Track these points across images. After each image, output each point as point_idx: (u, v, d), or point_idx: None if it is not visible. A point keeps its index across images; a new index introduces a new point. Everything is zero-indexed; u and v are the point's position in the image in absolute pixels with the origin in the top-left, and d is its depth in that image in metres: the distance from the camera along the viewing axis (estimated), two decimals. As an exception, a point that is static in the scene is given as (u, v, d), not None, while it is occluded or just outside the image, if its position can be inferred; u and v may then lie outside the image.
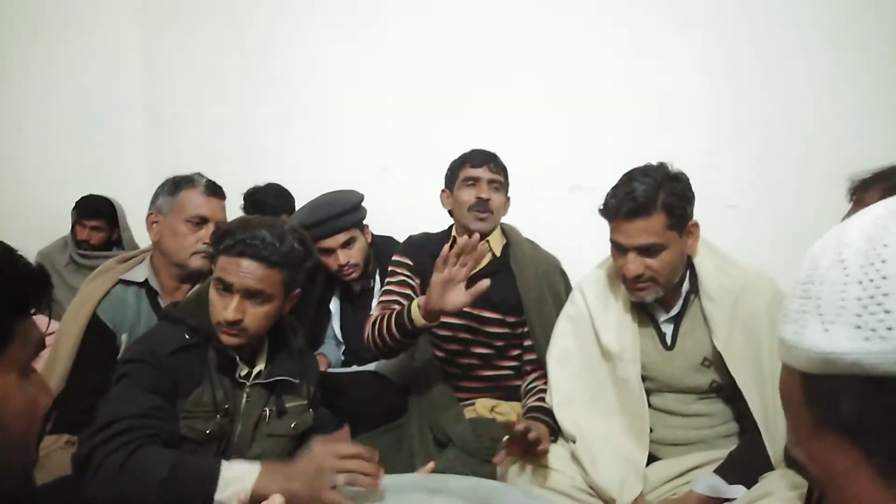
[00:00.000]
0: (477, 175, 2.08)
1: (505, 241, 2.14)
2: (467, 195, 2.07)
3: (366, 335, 1.98)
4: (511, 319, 2.08)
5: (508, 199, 2.16)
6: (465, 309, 2.05)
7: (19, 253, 0.71)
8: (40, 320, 0.76)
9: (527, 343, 2.08)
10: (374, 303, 2.41)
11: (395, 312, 1.87)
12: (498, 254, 2.11)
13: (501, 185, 2.10)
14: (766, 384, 1.59)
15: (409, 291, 2.09)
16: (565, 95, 2.96)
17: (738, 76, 2.71)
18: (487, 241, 2.10)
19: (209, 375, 1.49)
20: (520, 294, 2.06)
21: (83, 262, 3.06)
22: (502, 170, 2.12)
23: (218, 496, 1.23)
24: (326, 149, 3.38)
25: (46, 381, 0.77)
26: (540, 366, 2.02)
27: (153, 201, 1.98)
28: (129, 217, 3.24)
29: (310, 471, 1.23)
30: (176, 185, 1.96)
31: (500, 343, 2.09)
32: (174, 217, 1.93)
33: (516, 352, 2.12)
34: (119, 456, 1.27)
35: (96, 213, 3.11)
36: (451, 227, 2.19)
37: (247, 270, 1.45)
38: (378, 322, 1.92)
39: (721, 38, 2.72)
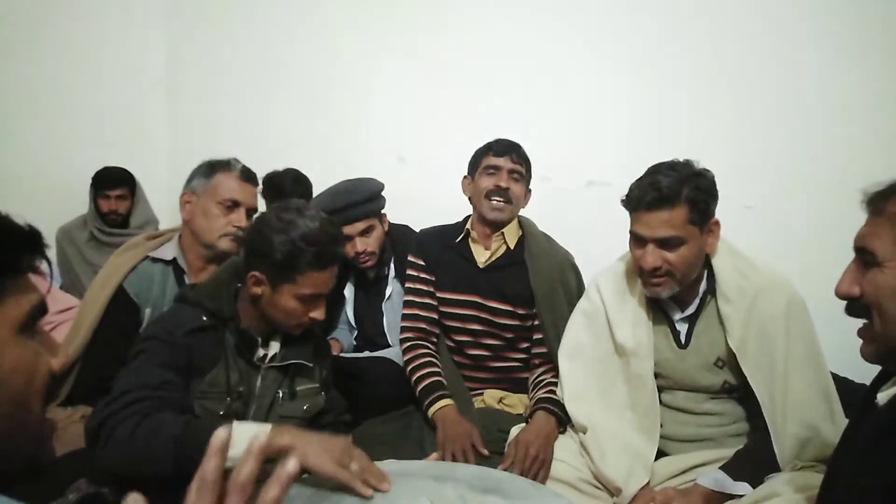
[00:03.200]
0: (498, 164, 2.08)
1: (521, 234, 2.14)
2: (486, 182, 2.08)
3: (403, 353, 2.14)
4: (521, 311, 2.08)
5: (529, 191, 2.16)
6: (476, 299, 2.08)
7: (5, 213, 0.72)
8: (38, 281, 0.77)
9: (536, 336, 2.09)
10: (389, 290, 2.44)
11: (424, 385, 2.02)
12: (512, 246, 2.11)
13: (522, 176, 2.10)
14: (777, 386, 1.59)
15: (428, 300, 2.16)
16: (583, 90, 2.95)
17: (758, 76, 2.68)
18: (503, 232, 2.11)
19: (225, 358, 1.51)
20: (532, 287, 2.06)
21: (104, 240, 3.10)
22: (525, 161, 2.12)
23: (231, 453, 1.25)
24: (343, 139, 3.39)
25: (58, 343, 0.78)
26: (549, 360, 2.03)
27: (188, 182, 2.02)
28: (148, 197, 3.28)
29: (323, 442, 1.24)
30: (212, 168, 2.00)
31: (510, 335, 2.11)
32: (207, 199, 1.97)
33: (526, 344, 2.13)
34: (130, 423, 1.29)
35: (119, 181, 3.15)
36: (466, 218, 2.20)
37: (333, 275, 1.54)
38: (409, 366, 2.09)
39: (742, 38, 2.70)
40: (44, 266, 0.78)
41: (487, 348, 2.12)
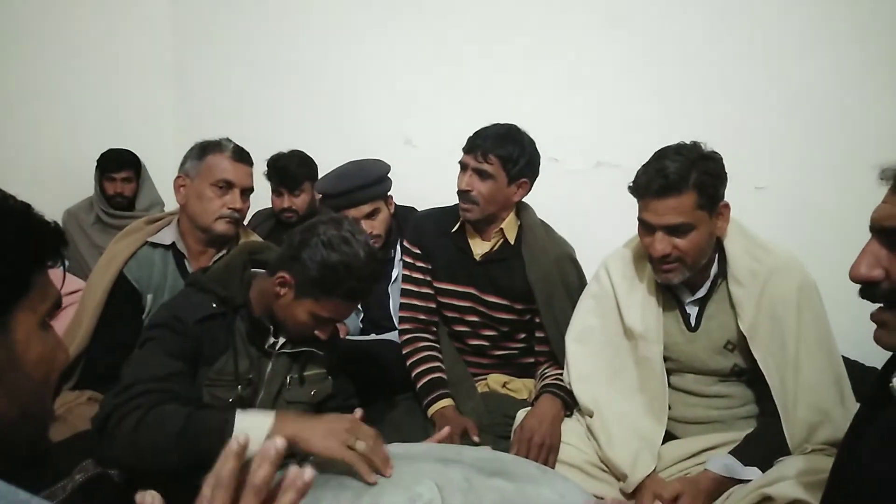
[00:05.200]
0: (464, 162, 1.98)
1: (519, 224, 2.06)
2: (458, 181, 1.99)
3: (402, 345, 2.11)
4: (518, 306, 2.03)
5: (521, 183, 1.98)
6: (472, 292, 2.05)
7: (35, 209, 0.75)
8: (56, 277, 0.79)
9: (539, 334, 2.04)
10: (395, 273, 2.42)
11: (423, 382, 1.99)
12: (511, 240, 2.03)
13: (489, 174, 1.92)
14: (788, 369, 1.58)
15: (425, 290, 2.11)
16: (592, 71, 2.91)
17: (766, 56, 2.64)
18: (501, 228, 2.02)
19: (234, 345, 1.50)
20: (529, 283, 1.99)
21: (110, 222, 3.11)
22: (498, 156, 1.92)
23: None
24: (349, 120, 3.37)
25: (64, 339, 0.81)
26: (551, 357, 2.01)
27: (182, 165, 1.99)
28: (155, 180, 3.28)
29: (327, 424, 1.24)
30: (204, 150, 1.96)
31: (506, 328, 2.06)
32: (200, 181, 1.93)
33: (524, 334, 2.09)
34: (136, 415, 1.29)
35: (124, 164, 3.15)
36: None
37: (355, 306, 1.55)
38: (409, 360, 2.06)
39: (749, 17, 2.65)
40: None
41: (486, 339, 2.09)
